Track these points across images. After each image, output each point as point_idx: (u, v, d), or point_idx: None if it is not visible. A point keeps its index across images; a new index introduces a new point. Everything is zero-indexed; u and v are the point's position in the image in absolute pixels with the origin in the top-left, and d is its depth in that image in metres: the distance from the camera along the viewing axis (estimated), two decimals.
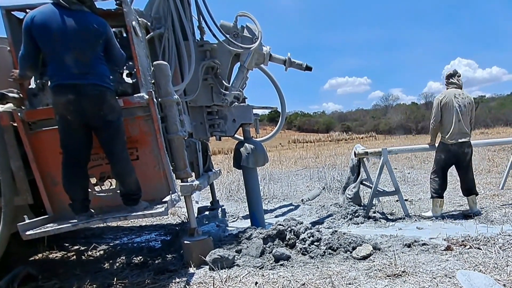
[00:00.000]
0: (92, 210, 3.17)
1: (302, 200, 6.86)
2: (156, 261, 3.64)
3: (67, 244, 4.50)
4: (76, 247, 4.43)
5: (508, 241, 3.37)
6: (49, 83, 2.95)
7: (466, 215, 4.76)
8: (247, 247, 3.61)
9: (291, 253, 3.49)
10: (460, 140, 4.61)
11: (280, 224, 3.81)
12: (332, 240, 3.59)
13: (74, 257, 4.08)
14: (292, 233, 3.71)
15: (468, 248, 3.32)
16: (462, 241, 3.52)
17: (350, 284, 2.72)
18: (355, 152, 5.57)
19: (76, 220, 3.06)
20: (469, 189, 4.81)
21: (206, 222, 4.98)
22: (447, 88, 4.82)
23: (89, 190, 3.20)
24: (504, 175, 6.31)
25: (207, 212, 5.25)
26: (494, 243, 3.33)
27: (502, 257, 2.98)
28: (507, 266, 2.81)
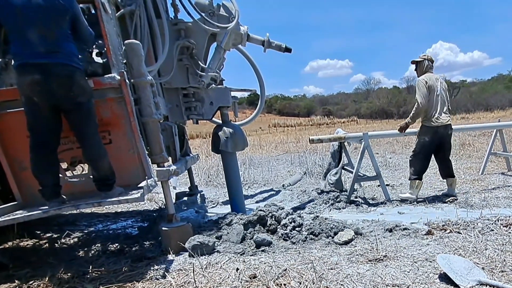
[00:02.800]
0: (64, 196, 3.06)
1: (283, 185, 6.87)
2: (133, 249, 3.55)
3: (38, 232, 4.33)
4: (48, 235, 4.27)
5: (487, 225, 3.43)
6: (12, 62, 2.80)
7: (447, 195, 4.90)
8: (228, 233, 3.56)
9: (272, 238, 3.46)
10: (445, 122, 4.69)
11: (261, 210, 3.77)
12: (313, 225, 3.58)
13: (47, 245, 3.93)
14: (273, 219, 3.69)
15: (449, 233, 3.37)
16: (443, 225, 3.57)
17: (332, 269, 2.71)
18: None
19: (47, 207, 2.95)
20: (451, 171, 4.94)
21: (185, 208, 4.90)
22: (426, 72, 4.83)
23: (60, 175, 3.06)
24: (483, 160, 6.44)
25: (185, 198, 5.17)
26: (473, 227, 3.39)
27: (481, 241, 3.04)
28: (485, 249, 2.87)
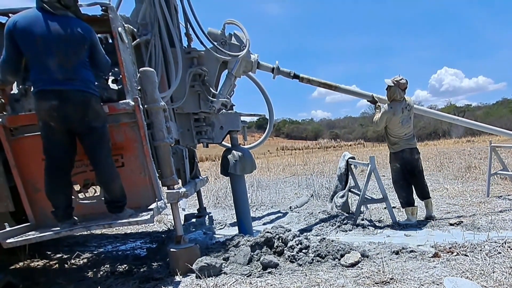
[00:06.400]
0: (76, 218, 3.12)
1: (290, 207, 6.87)
2: (142, 269, 3.58)
3: (49, 252, 4.40)
4: (58, 255, 4.33)
5: (494, 247, 3.39)
6: (32, 88, 2.91)
7: (427, 218, 5.00)
8: (235, 254, 3.57)
9: (279, 260, 3.46)
10: (409, 147, 4.93)
11: (268, 232, 3.78)
12: (320, 247, 3.58)
13: (57, 265, 3.99)
14: (280, 241, 3.69)
15: (455, 255, 3.34)
16: (450, 248, 3.54)
17: None
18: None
19: (58, 228, 3.01)
20: (425, 193, 5.06)
21: (193, 229, 4.93)
22: (393, 100, 4.92)
23: (73, 197, 3.15)
24: (487, 183, 6.41)
25: (194, 220, 5.20)
26: (480, 250, 3.36)
27: (489, 264, 3.01)
28: (493, 272, 2.84)
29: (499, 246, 3.41)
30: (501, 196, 6.13)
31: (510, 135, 5.92)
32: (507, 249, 3.32)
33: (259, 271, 3.28)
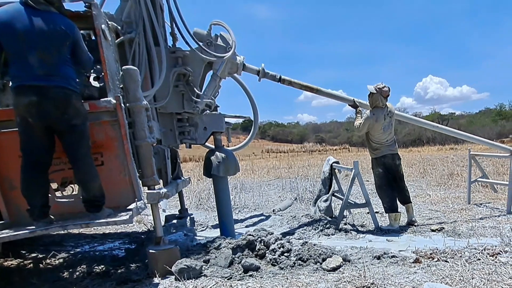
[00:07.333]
0: (52, 217, 3.06)
1: (273, 210, 6.87)
2: (119, 271, 3.52)
3: (24, 252, 4.29)
4: (33, 255, 4.23)
5: (474, 254, 3.46)
6: (10, 83, 2.85)
7: (409, 223, 5.08)
8: (216, 257, 3.55)
9: (260, 263, 3.45)
10: (391, 153, 5.02)
11: (250, 234, 3.78)
12: (302, 251, 3.58)
13: (31, 265, 3.90)
14: (262, 244, 3.69)
15: (436, 261, 3.39)
16: (430, 253, 3.58)
17: None
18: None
19: (34, 227, 2.94)
20: (406, 198, 5.13)
21: (174, 230, 4.88)
22: (375, 106, 4.98)
23: (50, 195, 3.08)
24: (467, 190, 6.54)
25: (175, 221, 5.16)
26: (461, 256, 3.42)
27: (468, 270, 3.06)
28: (472, 278, 2.88)
29: (479, 253, 3.47)
30: (481, 204, 6.27)
31: (489, 144, 6.06)
32: (486, 256, 3.39)
33: (240, 274, 3.27)
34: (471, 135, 6.03)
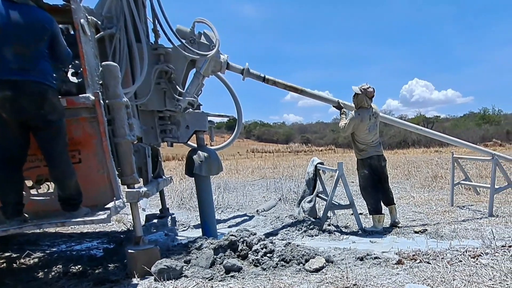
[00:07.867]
0: (26, 215, 2.98)
1: (257, 210, 6.85)
2: (97, 271, 3.45)
3: None
4: (7, 254, 4.11)
5: (455, 256, 3.49)
6: None
7: (392, 224, 5.10)
8: (197, 257, 3.50)
9: (242, 264, 3.43)
10: (376, 154, 5.03)
11: (232, 235, 3.75)
12: (285, 252, 3.55)
13: (4, 264, 3.80)
14: (245, 244, 3.65)
15: (418, 262, 3.41)
16: (413, 255, 3.61)
17: None
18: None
19: (6, 225, 2.85)
20: (390, 199, 5.17)
21: (154, 230, 4.81)
22: (360, 107, 5.00)
23: (24, 193, 3.01)
24: (450, 193, 6.64)
25: (155, 220, 5.09)
26: (443, 258, 3.45)
27: (450, 272, 3.08)
28: (453, 280, 2.91)
29: (460, 255, 3.51)
30: (464, 206, 6.37)
31: (472, 148, 6.15)
32: (468, 258, 3.43)
33: (222, 275, 3.24)
34: (455, 138, 6.13)
